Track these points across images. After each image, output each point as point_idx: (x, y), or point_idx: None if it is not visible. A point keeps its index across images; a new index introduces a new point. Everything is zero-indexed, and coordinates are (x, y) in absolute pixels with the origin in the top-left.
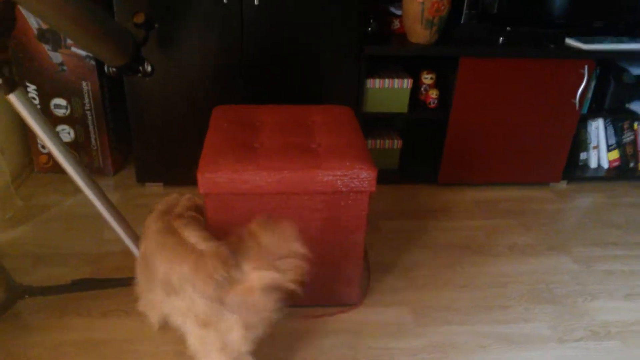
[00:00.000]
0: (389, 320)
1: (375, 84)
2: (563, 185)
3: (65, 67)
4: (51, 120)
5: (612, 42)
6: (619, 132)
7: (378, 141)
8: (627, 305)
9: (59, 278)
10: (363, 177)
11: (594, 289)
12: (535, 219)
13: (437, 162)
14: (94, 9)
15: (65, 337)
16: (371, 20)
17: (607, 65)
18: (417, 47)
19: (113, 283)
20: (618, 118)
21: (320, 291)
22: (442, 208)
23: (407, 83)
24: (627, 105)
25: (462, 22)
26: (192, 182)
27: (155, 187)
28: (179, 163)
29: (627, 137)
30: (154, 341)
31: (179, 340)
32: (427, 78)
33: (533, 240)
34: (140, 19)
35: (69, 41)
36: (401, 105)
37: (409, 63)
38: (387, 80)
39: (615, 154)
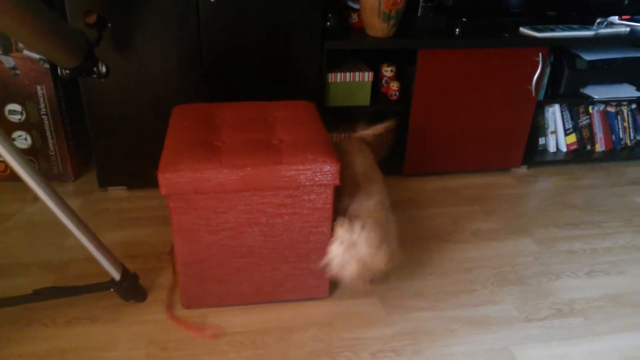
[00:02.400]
0: (359, 311)
1: (336, 78)
2: (523, 170)
3: (18, 71)
4: (6, 127)
5: (563, 30)
6: (575, 117)
7: (343, 135)
8: (590, 282)
9: (21, 288)
10: (326, 170)
11: (557, 268)
12: (497, 204)
13: (401, 153)
14: (44, 10)
15: (31, 348)
16: (329, 15)
17: (560, 52)
18: (375, 40)
19: (77, 291)
20: (573, 103)
21: (290, 286)
22: (408, 198)
23: (368, 76)
24: (581, 90)
25: (419, 14)
26: (156, 184)
27: (118, 191)
28: (141, 165)
29: (583, 121)
30: (122, 346)
31: (149, 343)
32: (388, 70)
33: (496, 225)
34: (92, 19)
35: (20, 44)
36: (363, 98)
37: (369, 56)
38: (348, 74)
39: (572, 138)
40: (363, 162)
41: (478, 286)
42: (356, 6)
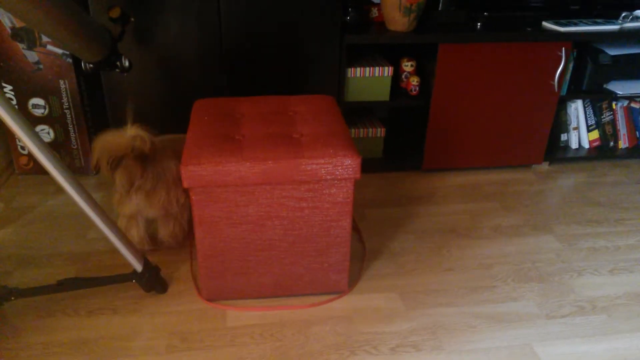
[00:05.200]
0: (378, 306)
1: (356, 73)
2: (545, 166)
3: (41, 66)
4: (30, 121)
5: (587, 24)
6: (598, 113)
7: (361, 130)
8: (612, 279)
9: (44, 279)
10: (347, 164)
11: (579, 265)
12: (518, 200)
13: (420, 148)
14: (69, 4)
15: (54, 338)
16: (350, 9)
17: (583, 47)
18: (396, 34)
19: (99, 282)
20: (596, 98)
21: (309, 280)
22: (427, 194)
23: (387, 71)
24: (604, 86)
25: (439, 8)
26: None
27: None
28: None
29: (606, 117)
30: (143, 337)
31: (170, 334)
32: (408, 65)
33: (517, 222)
34: (115, 13)
35: (44, 39)
36: (383, 93)
37: (388, 51)
38: (367, 68)
39: (595, 134)
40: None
41: (499, 282)
42: (376, 0)
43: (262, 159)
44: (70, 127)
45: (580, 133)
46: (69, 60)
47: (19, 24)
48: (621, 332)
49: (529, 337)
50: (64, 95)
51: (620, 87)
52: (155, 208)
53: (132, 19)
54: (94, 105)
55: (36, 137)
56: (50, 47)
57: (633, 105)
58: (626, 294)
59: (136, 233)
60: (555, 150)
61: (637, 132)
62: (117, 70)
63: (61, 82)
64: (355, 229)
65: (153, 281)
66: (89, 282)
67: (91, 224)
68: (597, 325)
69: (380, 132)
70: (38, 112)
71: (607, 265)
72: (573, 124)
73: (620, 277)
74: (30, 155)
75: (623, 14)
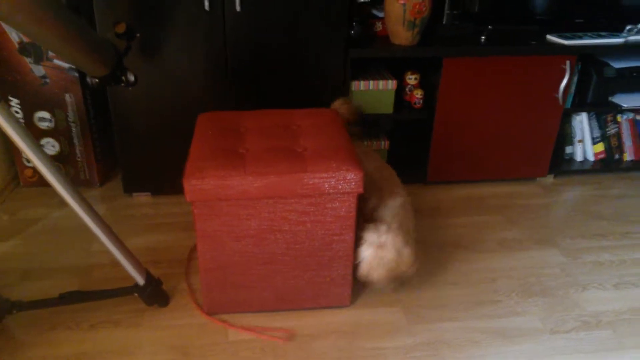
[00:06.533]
0: (381, 320)
1: (360, 86)
2: (550, 179)
3: (47, 80)
4: (36, 134)
5: (592, 37)
6: (603, 125)
7: (365, 143)
8: (617, 294)
9: (47, 292)
10: (350, 178)
11: (584, 280)
12: (523, 213)
13: (424, 161)
14: (74, 20)
15: (56, 352)
16: (354, 23)
17: (588, 60)
18: (400, 48)
19: (101, 295)
20: (601, 111)
21: (312, 294)
22: (431, 207)
23: (391, 84)
24: (609, 98)
25: (443, 22)
26: (180, 190)
27: (142, 197)
28: (166, 172)
29: (611, 129)
30: (144, 351)
31: (171, 348)
32: (412, 78)
33: (521, 235)
34: (121, 29)
35: (50, 54)
36: (387, 106)
37: (392, 64)
38: (371, 82)
39: (600, 147)
40: (368, 156)
41: (502, 297)
42: (381, 14)
43: (264, 173)
44: (76, 140)
45: (585, 146)
46: (75, 74)
47: (26, 38)
48: (626, 348)
49: (532, 352)
50: (69, 108)
51: (625, 100)
52: None
53: (138, 35)
54: (99, 119)
55: (39, 150)
56: (56, 62)
57: (638, 117)
58: (632, 309)
59: None
60: (560, 163)
61: None
62: (123, 84)
63: (67, 95)
64: None
65: (155, 294)
66: (91, 295)
67: (95, 237)
68: (602, 341)
69: (385, 144)
70: (44, 125)
71: (612, 279)
72: (578, 137)
73: (625, 292)
74: (35, 168)
75: (628, 27)
